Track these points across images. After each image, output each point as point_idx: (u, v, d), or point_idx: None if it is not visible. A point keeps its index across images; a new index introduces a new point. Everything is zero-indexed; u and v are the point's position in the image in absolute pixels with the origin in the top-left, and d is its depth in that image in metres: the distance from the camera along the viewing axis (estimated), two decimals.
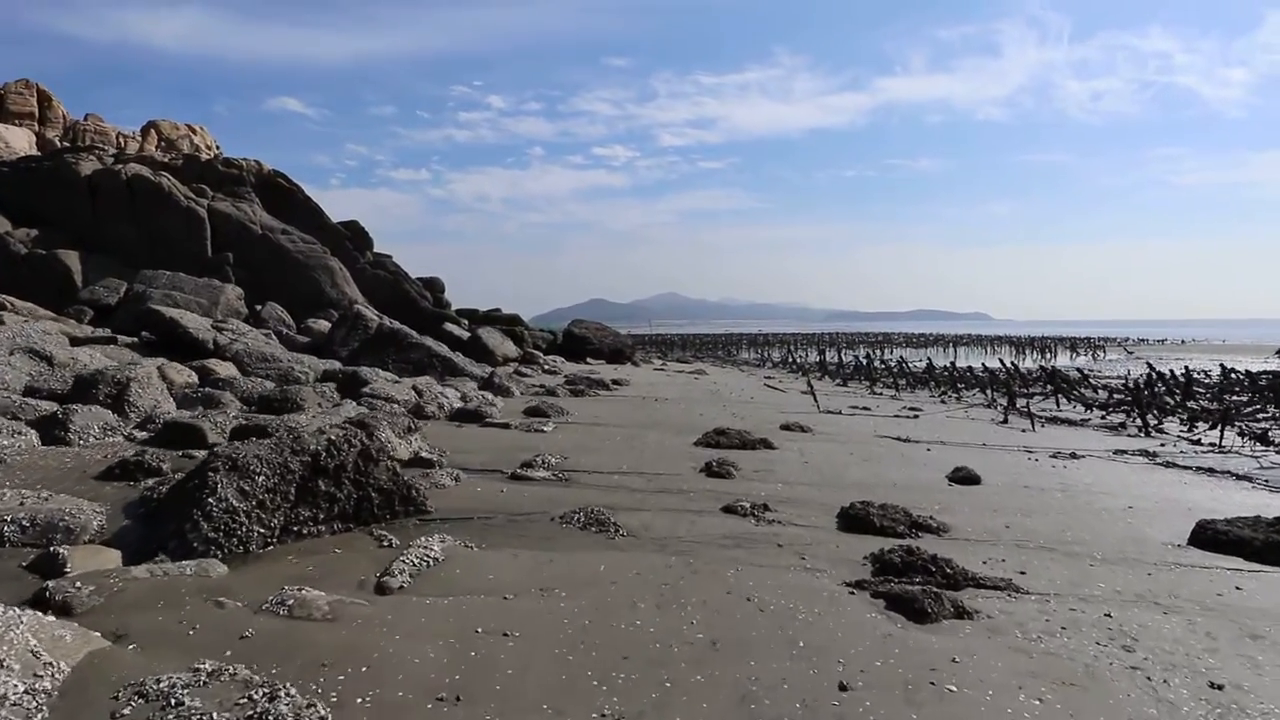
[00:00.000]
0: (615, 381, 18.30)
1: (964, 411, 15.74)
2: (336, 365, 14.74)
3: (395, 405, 10.09)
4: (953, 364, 25.16)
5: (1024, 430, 12.90)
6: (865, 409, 15.35)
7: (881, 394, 19.95)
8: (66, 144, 30.54)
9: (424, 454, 8.02)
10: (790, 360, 36.15)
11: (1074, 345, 57.39)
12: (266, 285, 24.21)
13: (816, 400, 14.43)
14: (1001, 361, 25.73)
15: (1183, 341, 69.32)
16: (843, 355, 34.99)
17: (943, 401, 18.11)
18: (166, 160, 26.46)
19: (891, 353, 53.08)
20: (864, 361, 26.42)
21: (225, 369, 12.51)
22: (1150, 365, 25.99)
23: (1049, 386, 19.24)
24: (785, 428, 11.49)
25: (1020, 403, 15.12)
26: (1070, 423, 14.68)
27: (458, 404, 11.75)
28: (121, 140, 32.53)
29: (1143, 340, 71.44)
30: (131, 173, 23.30)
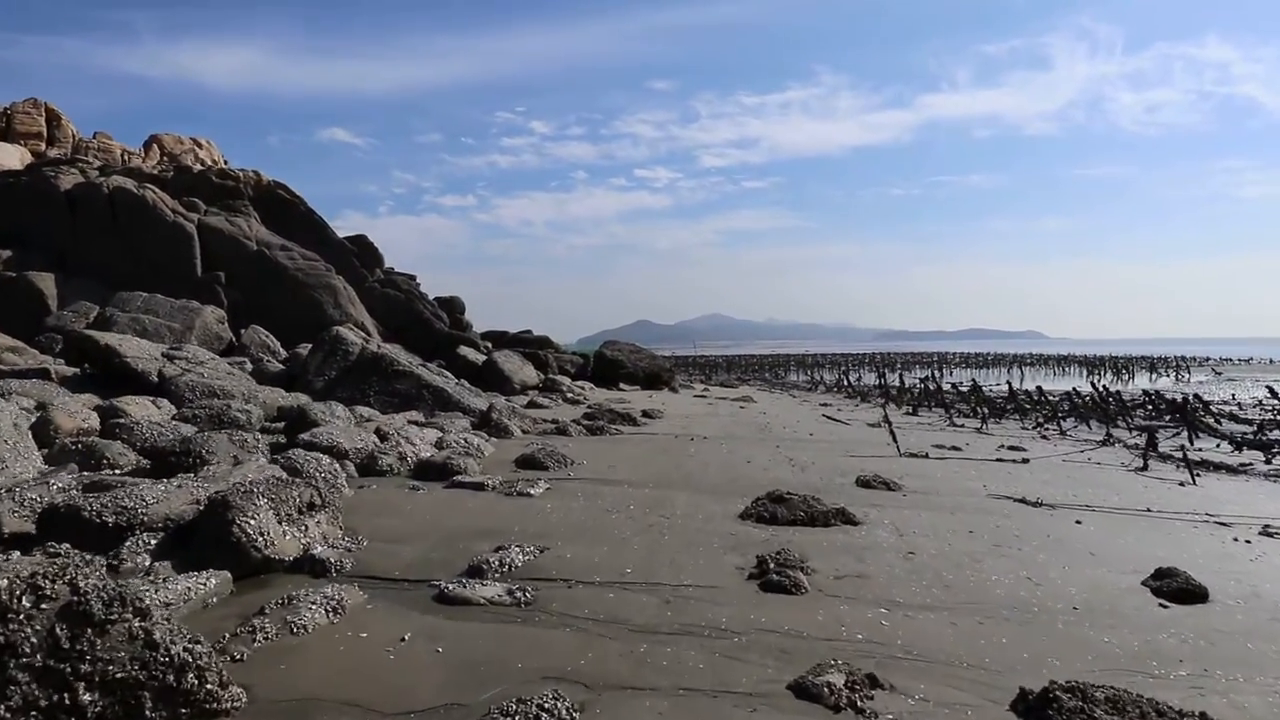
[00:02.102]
0: (646, 414, 15.43)
1: (1080, 452, 12.49)
2: (303, 400, 12.12)
3: (322, 460, 7.32)
4: (1039, 389, 21.74)
5: (1182, 484, 9.67)
6: (955, 449, 12.20)
7: (963, 426, 16.71)
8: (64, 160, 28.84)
9: (319, 550, 5.22)
10: (846, 384, 32.86)
11: (1153, 365, 52.82)
12: (261, 306, 21.91)
13: (895, 440, 11.37)
14: (1094, 386, 22.26)
15: (1271, 360, 63.92)
16: (904, 378, 31.62)
17: (1044, 437, 14.84)
18: (157, 172, 24.41)
19: (951, 373, 49.30)
20: (934, 387, 23.14)
21: (143, 409, 9.93)
22: (1273, 390, 22.29)
23: (1172, 417, 15.84)
24: (864, 484, 8.47)
25: (1154, 438, 11.81)
26: (1228, 469, 11.37)
27: (427, 453, 8.97)
28: (125, 156, 30.79)
29: (1227, 359, 66.11)
30: (113, 186, 21.22)
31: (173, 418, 9.85)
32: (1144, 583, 5.19)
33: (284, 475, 6.49)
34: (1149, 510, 7.76)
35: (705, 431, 13.22)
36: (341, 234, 26.04)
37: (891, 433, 11.45)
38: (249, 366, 15.25)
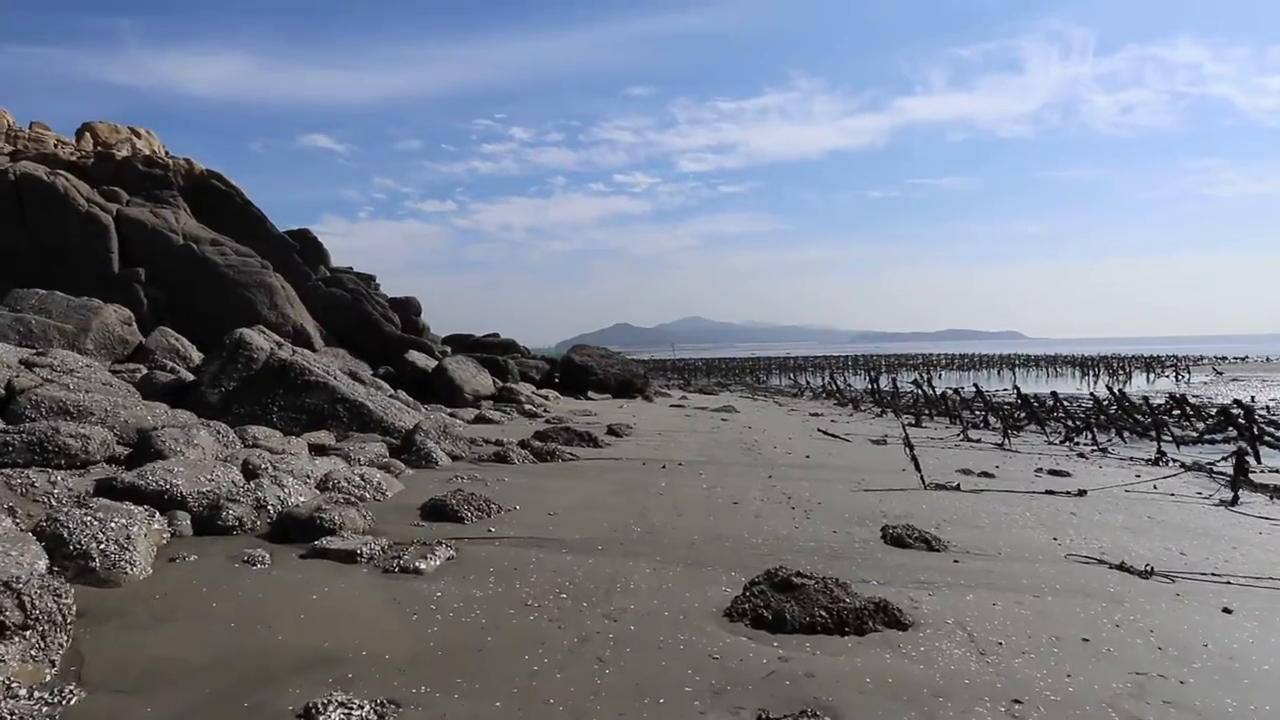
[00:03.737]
0: (612, 430, 13.11)
1: (1136, 475, 10.31)
2: (182, 417, 9.68)
3: (113, 523, 4.94)
4: (1054, 395, 19.63)
5: None
6: (986, 475, 9.99)
7: (980, 441, 14.52)
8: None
9: None
10: (835, 389, 30.68)
11: (1149, 365, 51.03)
12: (187, 306, 19.41)
13: (918, 468, 9.12)
14: (1111, 390, 20.17)
15: (1269, 359, 62.47)
16: (896, 382, 29.49)
17: (1081, 456, 12.66)
18: (75, 159, 21.79)
19: (940, 376, 47.38)
20: (937, 393, 20.98)
21: None
22: None
23: (1225, 429, 13.71)
24: (895, 540, 6.18)
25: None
26: None
27: (303, 496, 6.59)
28: (58, 147, 28.07)
29: (1222, 358, 64.56)
30: (20, 173, 18.62)
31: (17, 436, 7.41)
32: None
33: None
34: None
35: (680, 454, 10.91)
36: (323, 239, 23.63)
37: (913, 459, 9.19)
38: (140, 375, 12.78)
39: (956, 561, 5.72)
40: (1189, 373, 46.49)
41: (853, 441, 13.75)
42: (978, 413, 19.05)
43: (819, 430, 15.39)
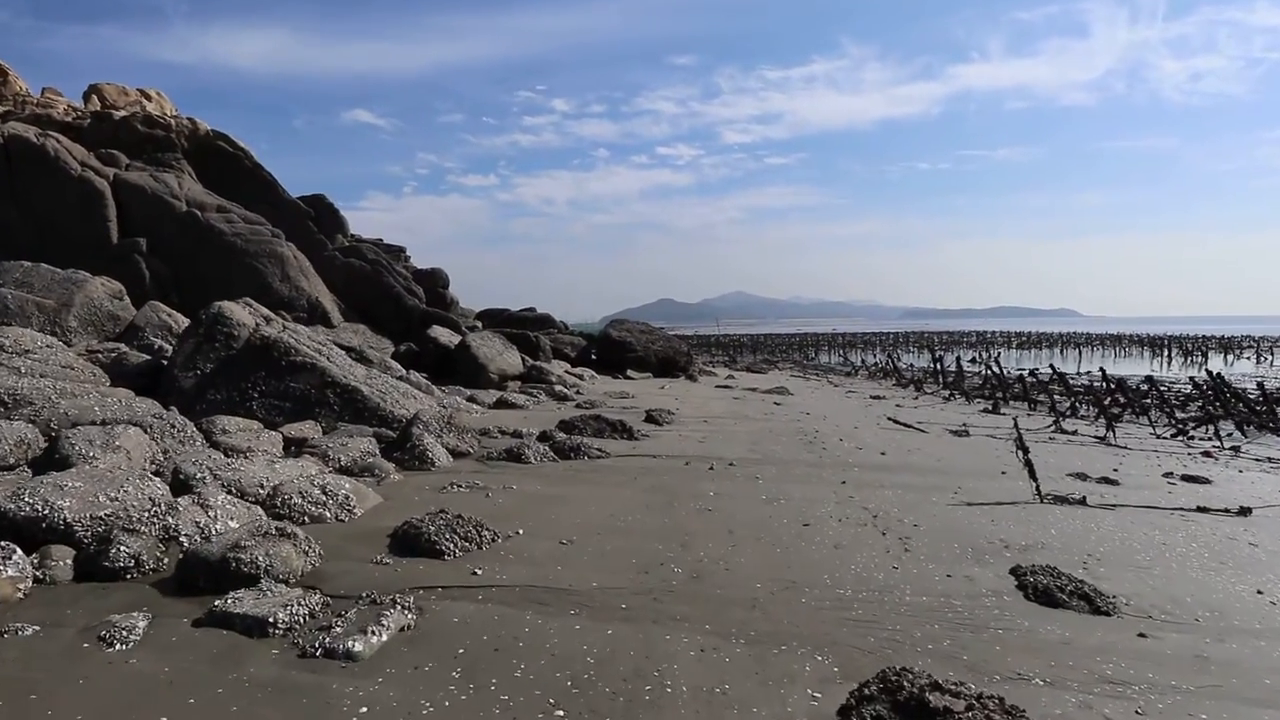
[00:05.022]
0: (651, 417, 11.41)
1: None
2: (135, 413, 8.18)
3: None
4: (1149, 379, 17.41)
5: None
6: (1109, 482, 8.09)
7: (1075, 432, 12.50)
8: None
9: None
10: (894, 369, 28.54)
11: (1226, 346, 47.59)
12: (192, 279, 18.09)
13: (1035, 478, 7.24)
14: (1210, 374, 17.86)
15: None
16: (960, 362, 27.31)
17: (1207, 455, 10.62)
18: (70, 120, 20.55)
19: (999, 355, 44.76)
20: (1005, 375, 18.84)
21: None
22: None
23: None
24: (1038, 592, 4.37)
25: None
26: None
27: (230, 524, 4.99)
28: (70, 113, 27.02)
29: None
30: (8, 134, 17.36)
31: None
32: None
33: None
34: None
35: (731, 450, 9.14)
36: (367, 215, 22.39)
37: (1027, 464, 7.28)
38: (115, 354, 11.39)
39: (1143, 636, 3.90)
40: (1271, 354, 43.14)
41: (929, 432, 11.85)
42: (1060, 398, 16.94)
43: (887, 418, 13.47)
